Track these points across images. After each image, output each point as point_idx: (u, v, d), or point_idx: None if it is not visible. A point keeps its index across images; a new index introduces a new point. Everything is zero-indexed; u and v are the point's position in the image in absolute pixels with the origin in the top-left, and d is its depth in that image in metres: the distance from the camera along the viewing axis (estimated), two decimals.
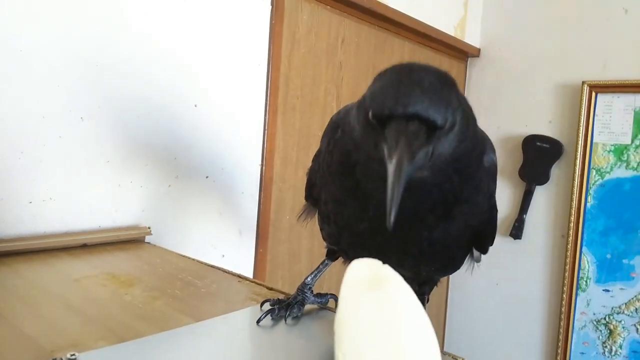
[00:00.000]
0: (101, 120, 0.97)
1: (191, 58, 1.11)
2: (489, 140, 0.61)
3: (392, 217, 0.42)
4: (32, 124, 0.88)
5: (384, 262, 0.65)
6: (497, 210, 0.65)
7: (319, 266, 0.72)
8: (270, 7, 1.26)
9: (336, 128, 0.60)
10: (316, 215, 0.70)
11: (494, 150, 0.61)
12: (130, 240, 1.00)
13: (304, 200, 0.73)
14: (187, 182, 1.13)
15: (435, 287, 0.71)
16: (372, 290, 0.44)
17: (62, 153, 0.92)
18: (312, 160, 0.69)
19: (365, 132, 0.49)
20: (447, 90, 0.46)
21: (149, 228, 1.03)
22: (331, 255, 0.73)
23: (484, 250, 0.65)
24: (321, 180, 0.63)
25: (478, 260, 0.68)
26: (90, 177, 0.97)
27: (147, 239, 1.03)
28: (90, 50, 0.94)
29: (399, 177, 0.42)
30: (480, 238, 0.63)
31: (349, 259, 0.71)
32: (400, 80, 0.45)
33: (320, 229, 0.69)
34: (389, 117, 0.44)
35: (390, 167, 0.42)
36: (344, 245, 0.66)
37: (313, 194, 0.68)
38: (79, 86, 0.94)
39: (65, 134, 0.92)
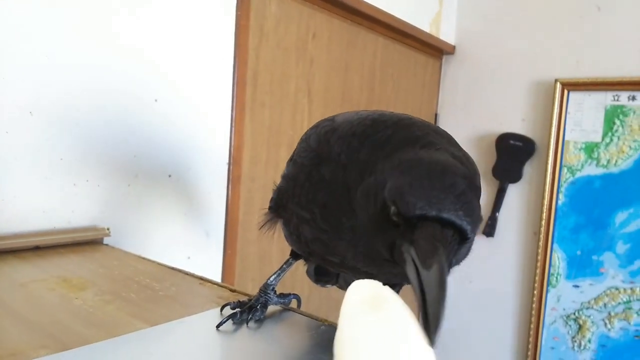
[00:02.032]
0: (53, 115, 0.91)
1: (151, 50, 1.06)
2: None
3: (436, 336, 0.38)
4: None
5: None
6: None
7: (282, 266, 0.70)
8: None
9: (319, 162, 0.55)
10: (280, 223, 0.66)
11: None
12: (87, 242, 0.95)
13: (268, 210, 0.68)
14: (148, 181, 1.09)
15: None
16: (372, 311, 0.43)
17: (9, 150, 0.87)
18: (282, 179, 0.63)
19: (376, 223, 0.45)
20: (476, 199, 0.44)
21: (107, 229, 0.98)
22: (296, 255, 0.70)
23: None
24: (297, 208, 0.58)
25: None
26: (41, 176, 0.91)
27: (106, 240, 0.98)
28: (39, 39, 0.89)
29: (443, 287, 0.38)
30: None
31: (315, 262, 0.68)
32: (431, 179, 0.42)
33: (285, 237, 0.65)
34: (421, 218, 0.41)
35: (427, 274, 0.39)
36: (314, 260, 0.64)
37: (279, 212, 0.63)
38: (27, 78, 0.88)
39: (11, 129, 0.86)
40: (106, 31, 0.98)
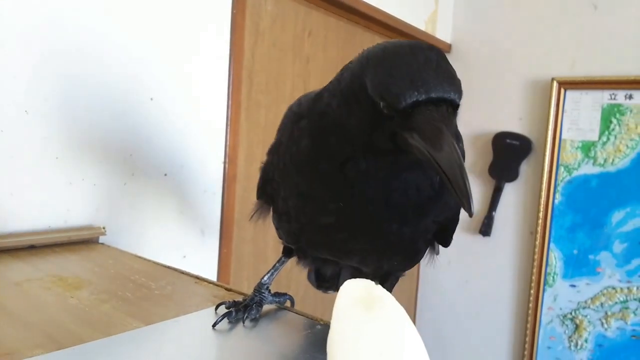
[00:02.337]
0: (48, 114, 0.91)
1: (147, 48, 1.06)
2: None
3: (472, 204, 0.40)
4: None
5: (345, 259, 0.63)
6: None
7: (275, 264, 0.70)
8: None
9: (298, 120, 0.57)
10: (270, 215, 0.66)
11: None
12: (82, 241, 0.94)
13: (256, 199, 0.69)
14: (144, 180, 1.08)
15: (396, 283, 0.69)
16: (365, 310, 0.44)
17: (4, 149, 0.86)
18: (267, 154, 0.65)
19: (368, 123, 0.46)
20: (451, 67, 0.45)
21: (103, 228, 0.98)
22: (288, 253, 0.70)
23: (446, 244, 0.64)
24: (281, 175, 0.60)
25: (438, 252, 0.67)
26: (37, 174, 0.91)
27: (102, 239, 0.98)
28: (34, 37, 0.88)
29: (460, 163, 0.40)
30: (444, 232, 0.62)
31: (306, 258, 0.68)
32: (406, 62, 0.43)
33: (277, 228, 0.66)
34: (414, 105, 0.41)
35: (441, 156, 0.40)
36: (304, 243, 0.63)
37: (267, 191, 0.65)
38: (22, 76, 0.88)
39: (6, 128, 0.86)
40: (101, 29, 0.98)
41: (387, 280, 0.66)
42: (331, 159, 0.50)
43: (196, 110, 1.18)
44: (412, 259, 0.63)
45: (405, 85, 0.41)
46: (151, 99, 1.08)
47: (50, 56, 0.91)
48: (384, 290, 0.46)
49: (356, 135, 0.48)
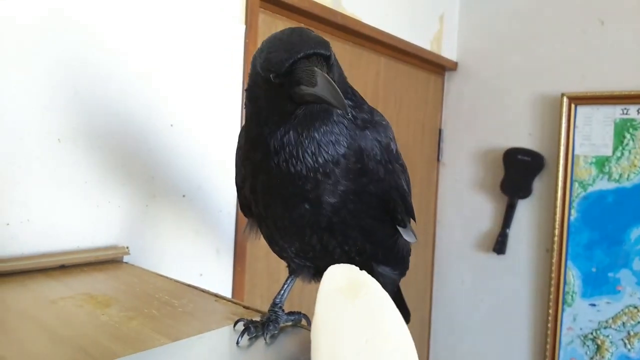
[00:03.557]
0: (78, 141, 0.97)
1: (167, 78, 1.12)
2: (385, 125, 0.65)
3: (343, 103, 0.51)
4: (9, 145, 0.88)
5: (316, 256, 0.66)
6: (402, 180, 0.66)
7: (283, 285, 0.73)
8: (244, 26, 1.28)
9: (241, 133, 0.68)
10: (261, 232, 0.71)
11: (388, 134, 0.65)
12: (108, 261, 0.99)
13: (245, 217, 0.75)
14: (164, 202, 1.13)
15: (394, 290, 0.72)
16: (349, 297, 0.44)
17: (39, 174, 0.92)
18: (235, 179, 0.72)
19: (272, 100, 0.57)
20: (315, 34, 0.57)
21: (127, 248, 1.03)
22: (293, 272, 0.73)
23: (401, 222, 0.67)
24: (242, 174, 0.67)
25: (412, 239, 0.70)
26: (68, 198, 0.97)
27: (125, 258, 1.02)
28: (66, 72, 0.95)
29: (329, 81, 0.51)
30: (391, 209, 0.65)
31: (301, 269, 0.72)
32: (280, 40, 0.56)
33: (267, 241, 0.70)
34: (292, 65, 0.53)
35: (319, 86, 0.51)
36: (278, 247, 0.69)
37: (241, 198, 0.70)
38: (56, 108, 0.94)
39: (42, 155, 0.92)
40: (124, 63, 1.04)
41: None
42: (259, 142, 0.60)
43: (212, 135, 1.23)
44: (375, 243, 0.66)
45: (281, 54, 0.54)
46: (171, 125, 1.13)
47: (80, 89, 0.97)
48: (368, 276, 0.47)
49: (267, 114, 0.58)
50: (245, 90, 0.63)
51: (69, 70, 0.96)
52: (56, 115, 0.94)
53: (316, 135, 0.57)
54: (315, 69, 0.52)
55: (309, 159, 0.57)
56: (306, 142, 0.57)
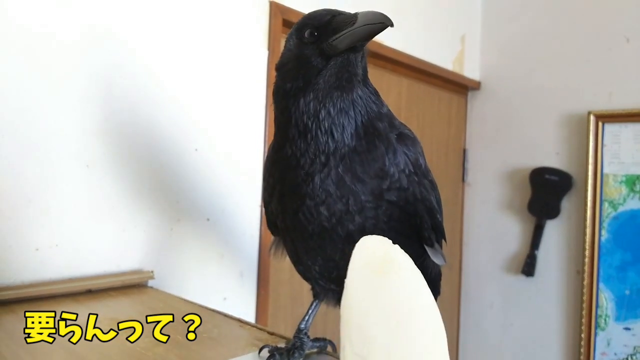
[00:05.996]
0: (106, 167, 0.99)
1: (192, 104, 1.15)
2: (414, 139, 0.63)
3: (387, 17, 0.52)
4: (40, 171, 0.91)
5: (327, 256, 0.63)
6: (431, 196, 0.63)
7: (308, 310, 0.72)
8: (267, 51, 1.30)
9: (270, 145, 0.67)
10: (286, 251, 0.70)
11: (417, 149, 0.62)
12: (133, 285, 1.00)
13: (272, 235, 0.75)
14: (188, 225, 1.14)
15: None
16: (381, 274, 0.42)
17: (68, 200, 0.94)
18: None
19: (300, 62, 0.57)
20: None
21: (152, 272, 1.03)
22: (317, 295, 0.72)
23: (428, 240, 0.63)
24: (270, 184, 0.65)
25: (441, 261, 0.66)
26: (95, 223, 0.98)
27: (150, 283, 1.03)
28: (95, 98, 0.98)
29: (372, 11, 0.53)
30: (417, 224, 0.62)
31: (326, 292, 0.70)
32: (315, 11, 0.59)
33: (291, 261, 0.69)
34: (331, 19, 0.56)
35: (359, 22, 0.53)
36: (300, 254, 0.66)
37: (268, 214, 0.70)
38: (85, 134, 0.97)
39: (71, 181, 0.95)
40: (154, 90, 1.07)
41: None
42: (287, 140, 0.59)
43: (235, 158, 1.24)
44: None
45: (321, 12, 0.58)
46: (196, 149, 1.15)
47: (108, 116, 1.00)
48: (400, 251, 0.44)
49: (292, 83, 0.58)
50: (273, 92, 0.63)
51: (99, 98, 0.99)
52: (86, 140, 0.97)
53: (333, 112, 0.57)
54: (353, 14, 0.54)
55: (322, 137, 0.57)
56: (324, 117, 0.57)
